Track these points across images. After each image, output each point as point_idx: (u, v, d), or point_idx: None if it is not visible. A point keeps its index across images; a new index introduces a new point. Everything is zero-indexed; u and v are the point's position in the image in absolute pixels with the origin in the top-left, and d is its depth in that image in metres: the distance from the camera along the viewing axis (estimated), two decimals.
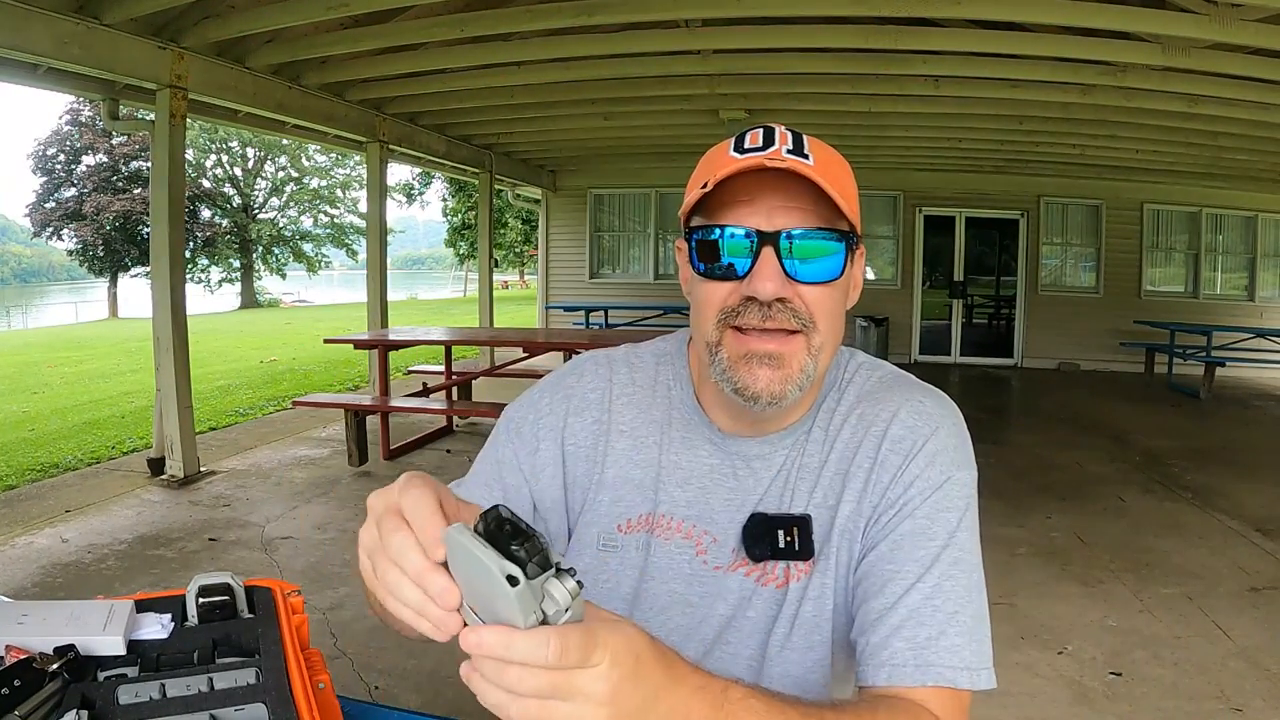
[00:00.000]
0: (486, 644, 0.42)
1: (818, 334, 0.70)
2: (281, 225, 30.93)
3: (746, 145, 0.70)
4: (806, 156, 0.69)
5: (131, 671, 0.79)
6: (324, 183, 31.40)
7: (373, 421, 5.07)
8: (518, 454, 0.83)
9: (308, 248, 31.47)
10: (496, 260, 16.22)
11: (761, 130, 0.71)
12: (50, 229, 26.59)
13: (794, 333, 0.70)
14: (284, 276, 32.30)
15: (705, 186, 0.69)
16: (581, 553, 0.82)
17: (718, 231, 0.70)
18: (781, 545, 0.74)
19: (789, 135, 0.70)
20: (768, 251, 0.68)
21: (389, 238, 7.34)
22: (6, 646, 0.76)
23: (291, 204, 31.31)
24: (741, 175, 0.68)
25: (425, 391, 5.93)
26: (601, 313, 10.21)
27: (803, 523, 0.74)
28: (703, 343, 0.74)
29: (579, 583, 0.43)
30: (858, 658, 0.70)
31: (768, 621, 0.76)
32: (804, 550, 0.74)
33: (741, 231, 0.69)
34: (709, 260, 0.71)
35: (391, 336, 5.59)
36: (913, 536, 0.70)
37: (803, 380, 0.71)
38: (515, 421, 0.85)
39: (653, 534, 0.79)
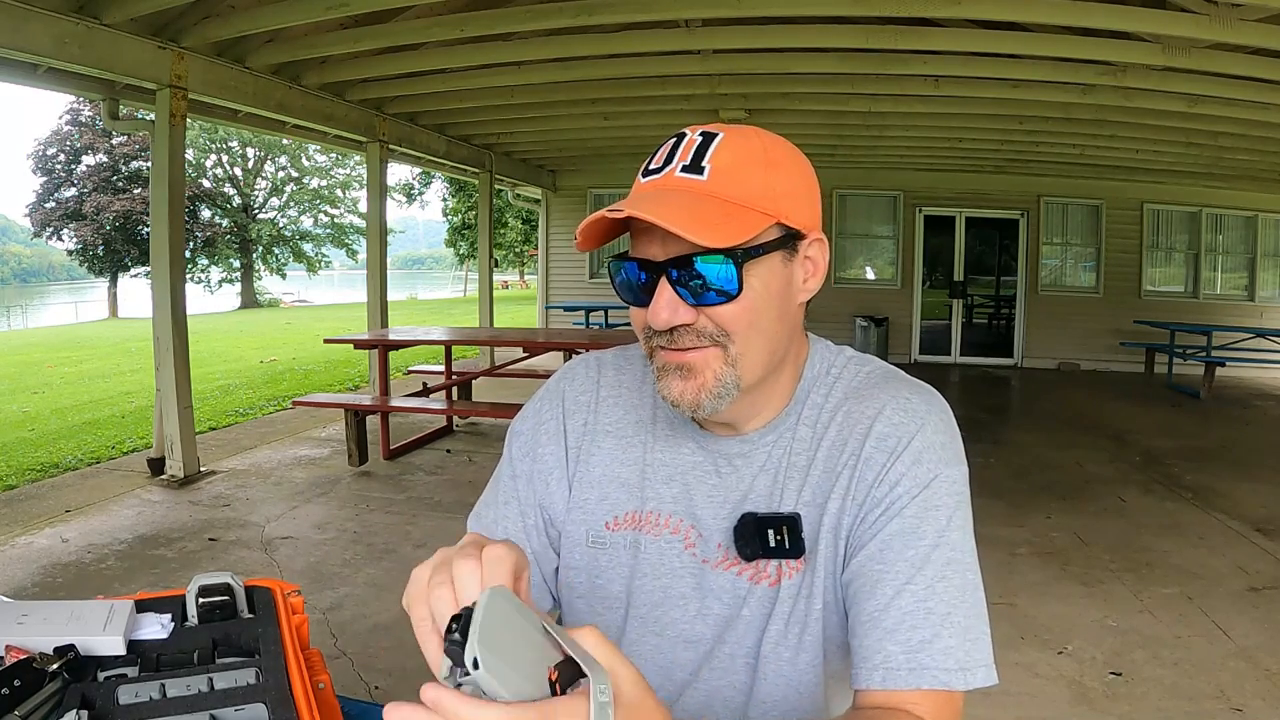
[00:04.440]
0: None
1: (733, 344, 0.70)
2: (281, 225, 30.93)
3: (651, 166, 0.71)
4: (701, 170, 0.68)
5: (131, 671, 0.79)
6: (324, 183, 31.40)
7: (373, 421, 5.08)
8: (530, 468, 0.85)
9: (308, 248, 31.48)
10: (496, 260, 16.22)
11: (670, 142, 0.71)
12: (50, 229, 26.61)
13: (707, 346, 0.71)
14: (284, 276, 32.33)
15: (574, 240, 0.71)
16: (573, 550, 0.83)
17: (616, 266, 0.72)
18: (772, 544, 0.74)
19: (694, 144, 0.70)
20: (662, 282, 0.68)
21: (389, 238, 7.34)
22: (6, 646, 0.76)
23: (291, 204, 31.31)
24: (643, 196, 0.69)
25: (425, 391, 5.93)
26: (601, 313, 10.21)
27: (792, 521, 0.75)
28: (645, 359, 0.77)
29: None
30: (852, 659, 0.71)
31: (762, 620, 0.76)
32: (794, 549, 0.74)
33: (635, 265, 0.70)
34: (623, 291, 0.73)
35: (391, 336, 5.59)
36: (901, 536, 0.70)
37: (720, 389, 0.70)
38: (519, 435, 0.88)
39: (641, 531, 0.80)
